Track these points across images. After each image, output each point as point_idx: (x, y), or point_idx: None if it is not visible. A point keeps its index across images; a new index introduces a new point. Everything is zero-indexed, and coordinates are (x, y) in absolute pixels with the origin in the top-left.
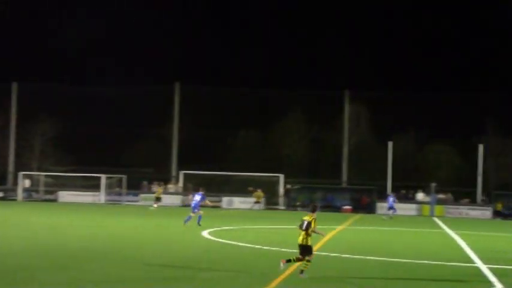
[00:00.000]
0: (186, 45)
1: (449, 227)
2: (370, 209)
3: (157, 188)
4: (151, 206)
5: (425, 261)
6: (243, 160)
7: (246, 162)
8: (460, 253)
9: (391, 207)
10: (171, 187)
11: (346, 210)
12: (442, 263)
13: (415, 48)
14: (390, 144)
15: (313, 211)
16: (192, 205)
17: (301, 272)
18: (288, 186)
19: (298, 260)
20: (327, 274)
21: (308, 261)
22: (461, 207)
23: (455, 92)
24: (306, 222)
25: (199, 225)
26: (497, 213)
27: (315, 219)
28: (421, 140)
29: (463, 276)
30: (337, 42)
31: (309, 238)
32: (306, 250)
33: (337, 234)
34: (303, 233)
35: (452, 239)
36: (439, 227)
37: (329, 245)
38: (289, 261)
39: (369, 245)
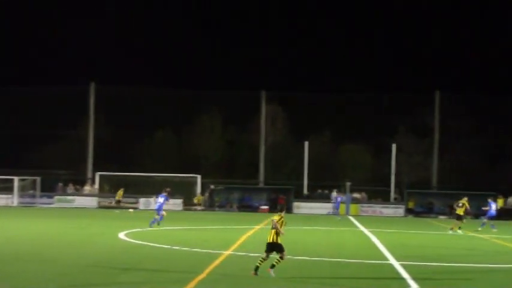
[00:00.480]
0: (101, 44)
1: (364, 225)
2: (287, 208)
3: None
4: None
5: (342, 260)
6: (160, 161)
7: (163, 163)
8: (374, 251)
9: (336, 207)
10: (86, 189)
11: (263, 210)
12: (358, 260)
13: (330, 49)
14: (306, 144)
15: (281, 210)
16: (156, 207)
17: (272, 266)
18: (212, 186)
19: (264, 260)
20: (246, 274)
21: (281, 258)
22: (375, 205)
23: (369, 93)
24: (275, 222)
25: (159, 225)
26: (409, 211)
27: (283, 218)
28: (336, 140)
29: (377, 273)
30: (254, 43)
31: (279, 237)
32: (277, 247)
33: (254, 234)
34: (273, 231)
35: (367, 237)
36: (354, 226)
37: (247, 245)
38: (273, 266)
39: (286, 245)
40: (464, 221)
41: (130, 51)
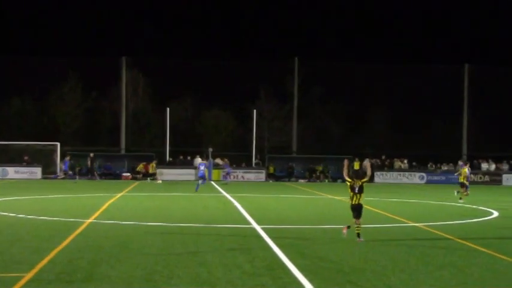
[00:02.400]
0: None
1: (227, 190)
2: (150, 175)
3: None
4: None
5: (206, 225)
6: (18, 129)
7: (21, 131)
8: (237, 215)
9: (228, 173)
10: None
11: (126, 178)
12: (221, 225)
13: (191, 14)
14: (168, 110)
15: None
16: (200, 174)
17: (358, 235)
18: (91, 154)
19: (355, 223)
20: (108, 241)
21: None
22: (237, 170)
23: (230, 59)
24: (357, 187)
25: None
26: (270, 176)
27: (366, 180)
28: (197, 105)
29: (240, 237)
30: (114, 7)
31: (362, 199)
32: (358, 209)
33: (116, 201)
34: (358, 195)
35: (230, 202)
36: (217, 191)
37: (109, 213)
38: (349, 227)
39: (149, 211)
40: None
41: None
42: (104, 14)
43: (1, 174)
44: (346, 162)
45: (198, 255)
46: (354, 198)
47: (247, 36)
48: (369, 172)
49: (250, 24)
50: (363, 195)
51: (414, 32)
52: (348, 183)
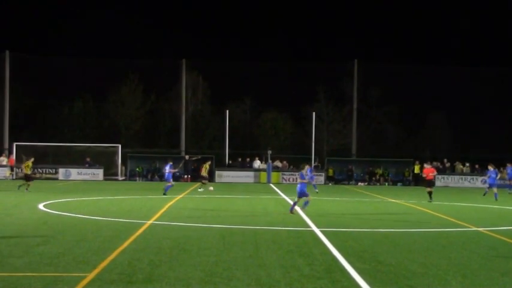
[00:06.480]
0: (18, 13)
1: (285, 193)
2: (209, 177)
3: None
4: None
5: (265, 227)
6: (79, 130)
7: (83, 132)
8: (296, 218)
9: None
10: (3, 160)
11: (185, 180)
12: (280, 228)
13: (247, 17)
14: (227, 112)
15: None
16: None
17: None
18: (187, 157)
19: None
20: (168, 243)
21: None
22: (296, 173)
23: (288, 61)
24: None
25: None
26: (329, 179)
27: None
28: (256, 108)
29: (299, 240)
30: (174, 11)
31: None
32: None
33: (176, 203)
34: None
35: (289, 205)
36: (276, 193)
37: (169, 214)
38: None
39: (208, 213)
40: None
41: (42, 20)
42: (165, 16)
43: (64, 175)
44: None
45: (257, 257)
46: None
47: (306, 39)
48: None
49: (309, 27)
50: None
51: (476, 34)
52: None
